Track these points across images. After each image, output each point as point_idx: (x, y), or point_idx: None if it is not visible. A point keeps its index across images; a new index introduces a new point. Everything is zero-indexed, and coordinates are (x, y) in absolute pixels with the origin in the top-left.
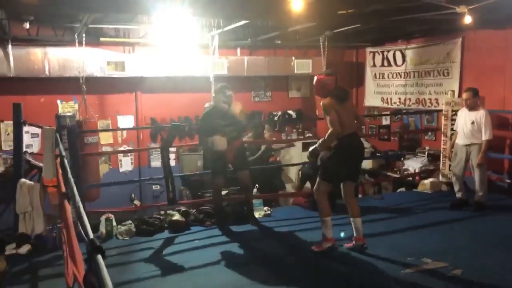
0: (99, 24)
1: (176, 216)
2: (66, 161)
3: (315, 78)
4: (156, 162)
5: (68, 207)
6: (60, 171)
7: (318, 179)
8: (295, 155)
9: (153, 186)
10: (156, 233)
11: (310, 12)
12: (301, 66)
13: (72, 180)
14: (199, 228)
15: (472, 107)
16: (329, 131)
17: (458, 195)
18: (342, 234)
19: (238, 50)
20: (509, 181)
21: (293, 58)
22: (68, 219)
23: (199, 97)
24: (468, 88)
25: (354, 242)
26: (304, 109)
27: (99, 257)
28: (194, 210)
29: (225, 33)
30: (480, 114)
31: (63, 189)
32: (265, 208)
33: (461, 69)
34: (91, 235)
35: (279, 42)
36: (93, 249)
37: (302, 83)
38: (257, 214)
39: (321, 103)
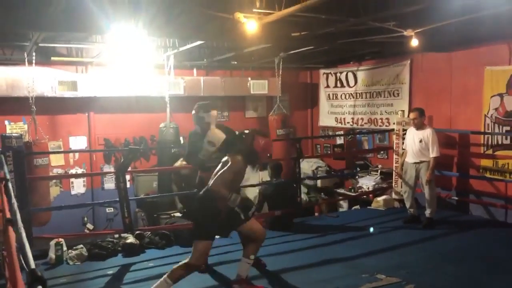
0: (50, 43)
1: (130, 239)
2: (10, 184)
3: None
4: (110, 184)
5: (12, 234)
6: (4, 195)
7: None
8: (252, 176)
9: (107, 209)
10: (109, 257)
11: (264, 34)
12: (257, 86)
13: (15, 204)
14: (154, 251)
15: (419, 126)
16: None
17: (410, 211)
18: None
19: (195, 70)
20: (457, 198)
21: (249, 78)
22: (11, 247)
23: (155, 117)
24: (415, 108)
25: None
26: (261, 129)
27: None
28: (149, 232)
29: (181, 53)
30: (427, 133)
31: (8, 215)
32: None
33: (410, 90)
34: (32, 265)
35: (235, 63)
36: (33, 280)
37: (258, 104)
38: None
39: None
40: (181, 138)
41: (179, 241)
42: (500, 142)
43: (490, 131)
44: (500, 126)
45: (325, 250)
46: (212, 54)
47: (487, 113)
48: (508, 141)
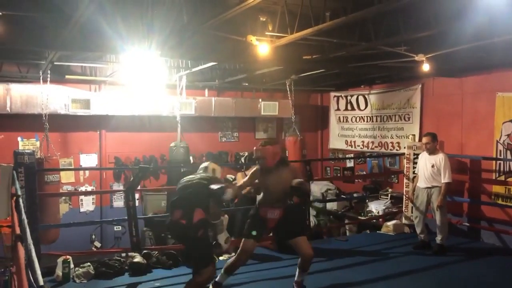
0: (65, 62)
1: (138, 258)
2: (21, 200)
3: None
4: (119, 202)
5: (22, 250)
6: (15, 211)
7: None
8: None
9: (115, 227)
10: (115, 276)
11: (276, 56)
12: (268, 108)
13: (25, 221)
14: (161, 270)
15: (431, 151)
16: None
17: (420, 237)
18: None
19: (206, 91)
20: (468, 224)
21: (260, 100)
22: (20, 263)
23: (165, 136)
24: (428, 133)
25: None
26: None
27: None
28: (156, 252)
29: (193, 74)
30: (439, 158)
31: (18, 231)
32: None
33: (421, 114)
34: (41, 282)
35: (247, 84)
36: None
37: (268, 125)
38: (221, 258)
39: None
40: (191, 158)
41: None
42: None
43: (502, 157)
44: None
45: (334, 274)
46: (224, 75)
47: (499, 139)
48: None
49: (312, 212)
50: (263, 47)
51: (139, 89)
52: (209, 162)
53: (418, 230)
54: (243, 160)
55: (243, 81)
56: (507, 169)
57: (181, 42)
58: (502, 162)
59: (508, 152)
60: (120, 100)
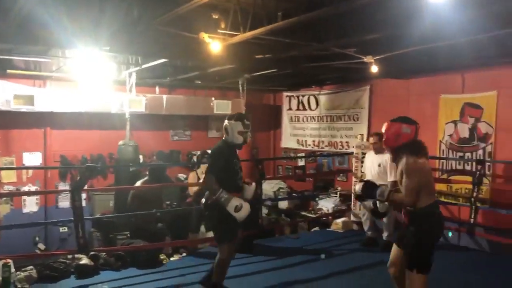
0: (7, 55)
1: (84, 260)
2: None
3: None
4: (65, 203)
5: None
6: None
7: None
8: None
9: (61, 228)
10: (61, 279)
11: (228, 54)
12: (221, 106)
13: None
14: (109, 272)
15: (378, 151)
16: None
17: (368, 234)
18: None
19: (157, 88)
20: None
21: (213, 98)
22: None
23: (114, 134)
24: (375, 133)
25: None
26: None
27: None
28: (104, 253)
29: (143, 70)
30: (386, 157)
31: None
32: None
33: (369, 115)
34: None
35: (199, 82)
36: None
37: (221, 124)
38: (173, 258)
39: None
40: (140, 157)
41: (135, 262)
42: (454, 167)
43: (444, 156)
44: (454, 152)
45: (285, 272)
46: (176, 73)
47: (442, 139)
48: (461, 167)
49: (264, 210)
50: (215, 45)
51: (86, 85)
52: None
53: (365, 227)
54: (195, 159)
55: (195, 79)
56: (449, 168)
57: (131, 38)
58: (444, 161)
59: (450, 151)
60: (67, 96)
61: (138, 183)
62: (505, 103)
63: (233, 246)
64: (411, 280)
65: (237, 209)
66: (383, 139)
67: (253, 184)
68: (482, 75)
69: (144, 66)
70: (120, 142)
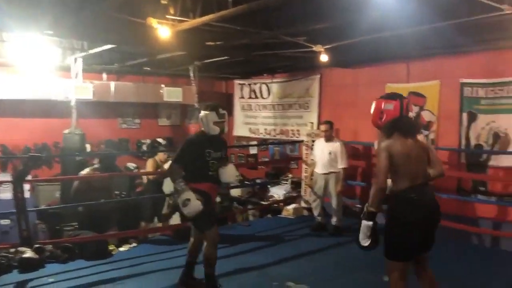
0: None
1: (28, 253)
2: None
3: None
4: (6, 194)
5: None
6: None
7: (386, 259)
8: (166, 183)
9: (2, 221)
10: (2, 274)
11: (178, 41)
12: (171, 94)
13: None
14: (55, 265)
15: (329, 139)
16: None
17: (318, 219)
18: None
19: (104, 74)
20: (360, 206)
21: (163, 85)
22: None
23: (58, 122)
24: (325, 121)
25: None
26: (175, 138)
27: None
28: (51, 246)
29: (90, 56)
30: (336, 145)
31: None
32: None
33: (319, 103)
34: None
35: (148, 68)
36: None
37: (172, 111)
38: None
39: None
40: (87, 145)
41: (83, 254)
42: None
43: None
44: None
45: (238, 259)
46: (124, 59)
47: None
48: None
49: (217, 198)
50: (163, 31)
51: (29, 71)
52: None
53: (315, 213)
54: (145, 148)
55: (144, 65)
56: None
57: (77, 22)
58: None
59: None
60: (7, 83)
61: (87, 170)
62: (447, 92)
63: (216, 230)
64: (386, 267)
65: (184, 204)
66: (371, 120)
67: (230, 164)
68: (426, 65)
69: (90, 51)
70: (66, 131)
